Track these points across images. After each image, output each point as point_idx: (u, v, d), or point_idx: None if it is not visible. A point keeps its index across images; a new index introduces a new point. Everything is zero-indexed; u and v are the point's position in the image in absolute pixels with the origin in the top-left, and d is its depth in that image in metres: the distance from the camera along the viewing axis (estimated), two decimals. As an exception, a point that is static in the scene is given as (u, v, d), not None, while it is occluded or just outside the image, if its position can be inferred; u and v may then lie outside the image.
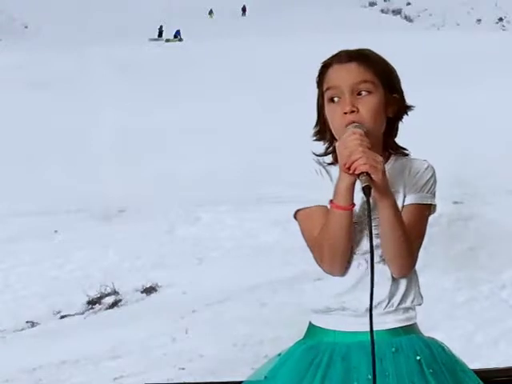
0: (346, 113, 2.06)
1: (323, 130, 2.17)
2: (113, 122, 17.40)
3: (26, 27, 63.42)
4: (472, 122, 14.67)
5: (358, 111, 2.06)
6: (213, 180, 11.80)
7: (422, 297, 2.15)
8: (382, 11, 71.87)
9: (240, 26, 56.96)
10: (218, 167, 12.68)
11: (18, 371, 5.85)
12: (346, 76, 2.08)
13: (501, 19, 67.49)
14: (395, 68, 2.18)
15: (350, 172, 1.96)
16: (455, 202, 9.65)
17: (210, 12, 67.02)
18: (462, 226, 8.81)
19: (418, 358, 2.06)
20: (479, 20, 67.61)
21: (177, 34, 52.24)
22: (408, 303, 2.11)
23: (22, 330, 7.03)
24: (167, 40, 49.33)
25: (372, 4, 73.77)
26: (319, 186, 2.11)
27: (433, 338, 2.16)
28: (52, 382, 5.71)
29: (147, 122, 17.37)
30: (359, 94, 2.07)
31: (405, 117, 2.19)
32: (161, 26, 56.46)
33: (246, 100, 18.92)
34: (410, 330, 2.12)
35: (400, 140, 2.21)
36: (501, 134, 13.53)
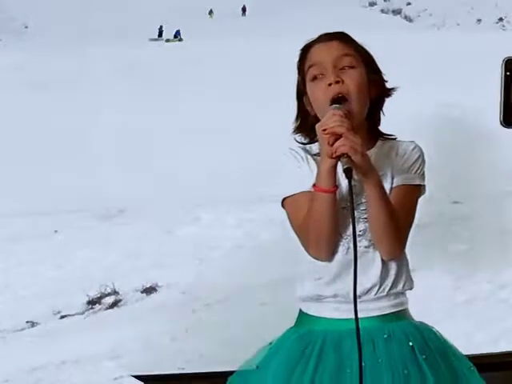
0: (330, 84, 2.04)
1: (305, 120, 2.15)
2: (113, 122, 17.40)
3: (26, 27, 63.37)
4: (471, 121, 14.67)
5: (342, 82, 2.04)
6: (213, 180, 11.80)
7: (412, 281, 2.12)
8: (382, 11, 71.79)
9: (240, 26, 56.90)
10: (218, 167, 12.68)
11: (18, 371, 5.86)
12: (328, 51, 2.07)
13: (501, 19, 67.41)
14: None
15: (332, 155, 1.94)
16: (455, 202, 9.65)
17: (210, 12, 67.00)
18: (461, 226, 8.80)
19: (411, 343, 2.04)
20: (479, 20, 67.56)
21: (177, 34, 52.22)
22: (399, 288, 2.09)
23: (22, 329, 7.03)
24: (167, 40, 49.31)
25: (372, 4, 73.68)
26: (304, 174, 2.09)
27: (423, 323, 2.14)
28: (52, 382, 5.71)
29: (147, 122, 17.37)
30: (342, 69, 2.06)
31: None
32: (161, 26, 56.45)
33: (246, 100, 18.92)
34: (402, 315, 2.11)
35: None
36: (501, 133, 13.52)
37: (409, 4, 73.25)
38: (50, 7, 64.97)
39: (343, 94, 2.03)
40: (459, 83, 18.73)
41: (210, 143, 14.86)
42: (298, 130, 2.19)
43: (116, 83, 22.31)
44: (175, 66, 25.87)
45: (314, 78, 2.08)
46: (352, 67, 2.07)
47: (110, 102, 19.54)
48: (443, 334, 2.15)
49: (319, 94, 2.07)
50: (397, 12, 71.44)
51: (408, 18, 69.75)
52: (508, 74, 0.74)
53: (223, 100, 19.35)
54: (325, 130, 1.95)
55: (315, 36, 2.15)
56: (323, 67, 2.06)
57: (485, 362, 2.51)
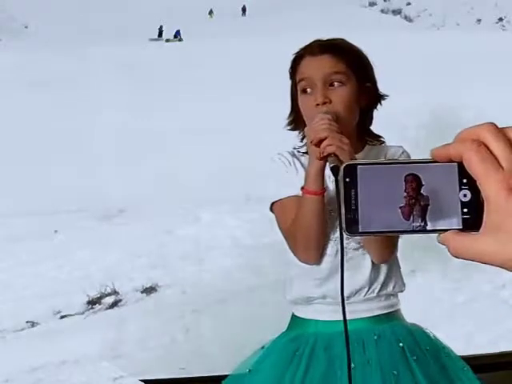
0: (318, 104, 2.04)
1: (298, 120, 2.16)
2: (113, 122, 17.41)
3: (26, 27, 63.40)
4: (471, 121, 14.66)
5: (330, 102, 2.03)
6: (213, 180, 11.80)
7: (404, 283, 2.12)
8: (382, 11, 71.86)
9: (240, 26, 56.92)
10: (218, 167, 12.68)
11: (18, 371, 5.85)
12: (318, 67, 2.06)
13: (501, 19, 67.43)
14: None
15: (320, 156, 1.92)
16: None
17: (210, 12, 67.02)
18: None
19: (401, 345, 2.04)
20: (479, 20, 67.59)
21: (177, 34, 52.23)
22: (389, 289, 2.09)
23: (22, 329, 7.03)
24: (167, 40, 49.33)
25: (372, 4, 73.75)
26: (291, 178, 2.09)
27: (416, 325, 2.14)
28: (52, 382, 5.70)
29: (147, 122, 17.38)
30: (331, 85, 2.05)
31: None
32: (161, 26, 56.46)
33: (246, 100, 18.93)
34: (393, 316, 2.11)
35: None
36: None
37: (409, 4, 73.29)
38: (50, 7, 64.97)
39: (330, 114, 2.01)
40: (459, 83, 18.73)
41: (209, 143, 14.87)
42: (291, 124, 2.19)
43: (116, 83, 22.32)
44: (175, 66, 25.87)
45: (304, 92, 2.08)
46: (342, 84, 2.05)
47: (109, 102, 19.55)
48: (442, 336, 2.15)
49: (307, 111, 2.07)
50: (397, 12, 71.50)
51: (408, 18, 69.78)
52: (347, 180, 0.73)
53: (223, 100, 19.36)
54: (311, 141, 1.94)
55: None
56: (312, 82, 2.06)
57: (484, 362, 2.51)
